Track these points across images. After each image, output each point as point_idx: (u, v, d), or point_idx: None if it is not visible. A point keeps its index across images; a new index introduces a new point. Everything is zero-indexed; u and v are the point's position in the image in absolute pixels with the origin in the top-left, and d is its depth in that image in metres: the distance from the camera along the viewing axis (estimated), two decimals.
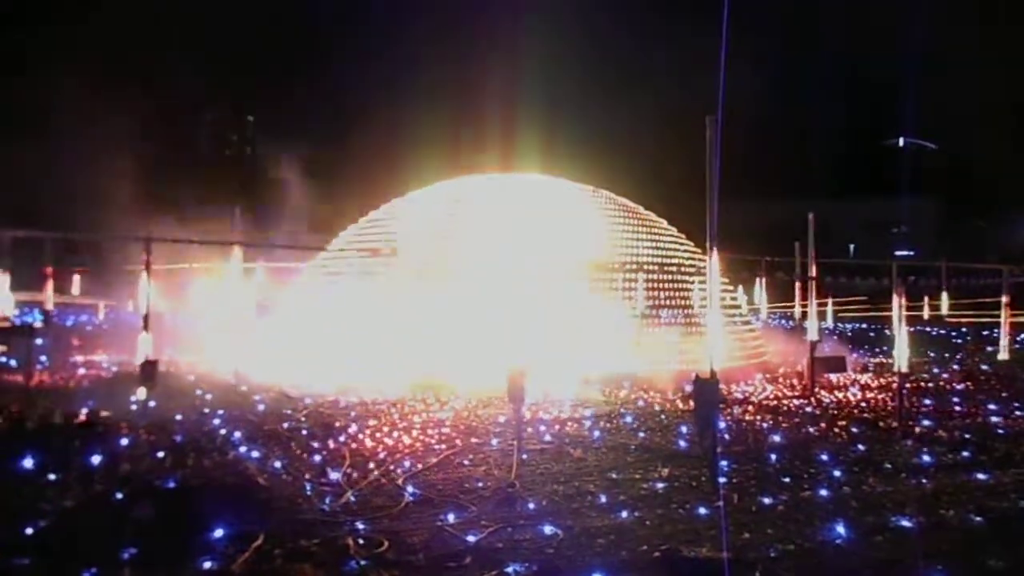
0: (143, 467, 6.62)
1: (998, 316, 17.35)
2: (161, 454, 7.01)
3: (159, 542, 4.88)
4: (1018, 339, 18.07)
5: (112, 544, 4.76)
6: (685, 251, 14.21)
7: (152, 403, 9.57)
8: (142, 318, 10.34)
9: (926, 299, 24.33)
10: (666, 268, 13.24)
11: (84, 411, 8.82)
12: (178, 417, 8.87)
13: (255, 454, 7.17)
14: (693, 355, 12.05)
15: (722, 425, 8.46)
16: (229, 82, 41.04)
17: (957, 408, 10.28)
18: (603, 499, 5.98)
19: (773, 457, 7.41)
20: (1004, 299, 17.07)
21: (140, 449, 7.25)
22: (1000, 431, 8.87)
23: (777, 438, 8.26)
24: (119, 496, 5.72)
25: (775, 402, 10.67)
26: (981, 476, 6.77)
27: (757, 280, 22.74)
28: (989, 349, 17.55)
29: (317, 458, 7.12)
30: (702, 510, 5.70)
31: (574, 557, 4.81)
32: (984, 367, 14.86)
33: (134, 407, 9.40)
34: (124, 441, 7.50)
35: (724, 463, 6.95)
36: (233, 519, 5.09)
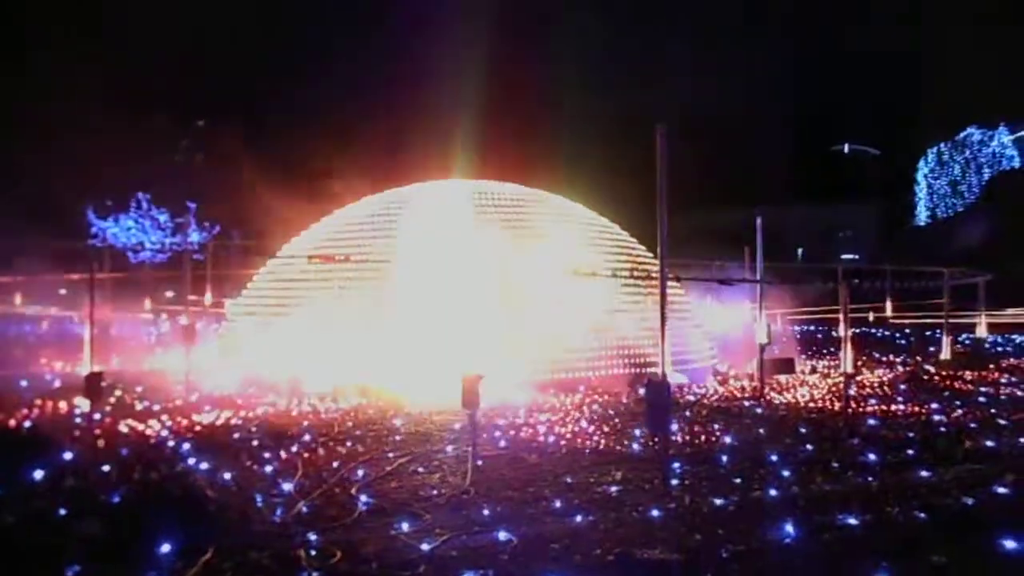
0: (88, 481, 6.45)
1: (940, 317, 17.84)
2: (106, 468, 6.84)
3: (104, 559, 4.75)
4: (959, 339, 18.62)
5: (55, 562, 4.63)
6: (638, 256, 14.35)
7: (97, 415, 9.35)
8: (87, 328, 10.10)
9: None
10: (619, 273, 13.34)
11: (27, 424, 8.56)
12: (124, 429, 8.68)
13: (204, 466, 7.03)
14: (646, 358, 12.19)
15: (674, 427, 8.56)
16: (180, 86, 40.15)
17: (901, 408, 10.56)
18: (558, 504, 6.00)
19: (724, 458, 7.51)
20: (945, 301, 17.58)
21: (84, 463, 7.06)
22: (942, 429, 9.12)
23: (728, 439, 8.38)
24: (62, 512, 5.56)
25: (726, 404, 10.83)
26: (925, 474, 6.95)
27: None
28: (931, 349, 18.06)
29: (268, 469, 7.01)
30: (655, 512, 5.75)
31: (528, 563, 4.81)
32: (927, 367, 15.28)
33: (78, 419, 9.17)
34: (68, 455, 7.30)
35: (676, 465, 7.04)
36: (181, 533, 4.98)
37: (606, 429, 8.99)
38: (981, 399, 11.37)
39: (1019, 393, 12.06)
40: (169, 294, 24.60)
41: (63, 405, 10.12)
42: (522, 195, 14.49)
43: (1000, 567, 4.94)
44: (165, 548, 4.81)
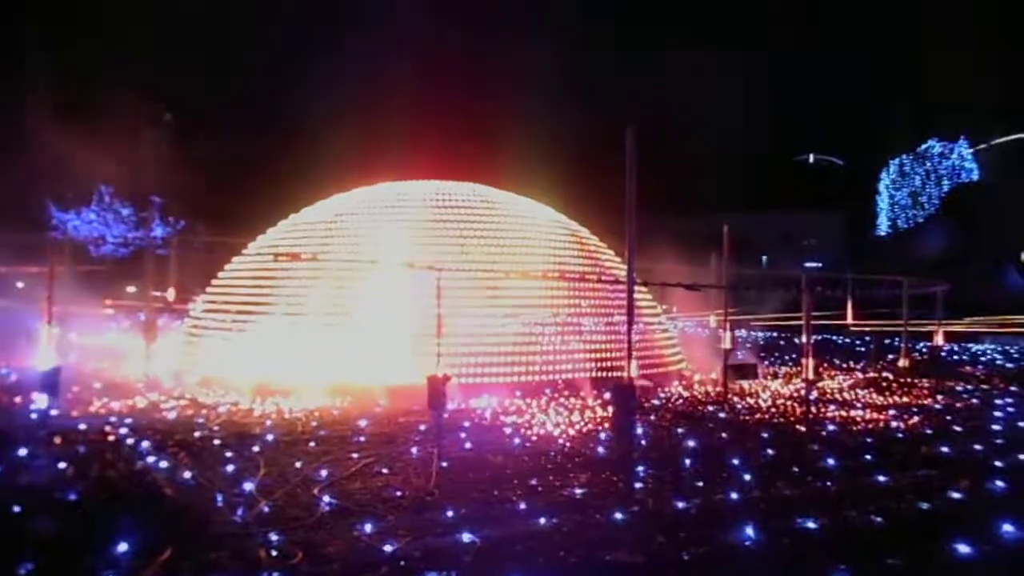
0: (43, 479, 6.32)
1: (899, 325, 18.16)
2: (63, 465, 6.70)
3: (59, 558, 4.66)
4: (917, 347, 18.98)
5: (8, 561, 4.52)
6: (607, 260, 14.41)
7: (54, 411, 9.17)
8: (44, 321, 9.89)
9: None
10: (587, 276, 13.39)
11: None
12: (82, 426, 8.52)
13: (164, 464, 6.93)
14: (612, 362, 12.25)
15: (639, 431, 8.62)
16: (148, 79, 39.59)
17: (860, 413, 10.73)
18: (522, 506, 6.01)
19: (688, 462, 7.58)
20: (904, 309, 17.89)
21: (40, 460, 6.92)
22: (899, 435, 9.29)
23: (692, 443, 8.45)
24: (16, 509, 5.44)
25: (690, 408, 10.92)
26: (882, 478, 7.08)
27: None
28: (890, 357, 18.37)
29: (230, 468, 6.93)
30: (619, 515, 5.78)
31: (492, 565, 4.81)
32: (885, 374, 15.55)
33: (34, 416, 8.98)
34: (23, 451, 7.15)
35: (640, 468, 7.09)
36: (139, 532, 4.90)
37: (571, 432, 9.02)
38: (937, 406, 11.61)
39: (973, 401, 12.32)
40: (131, 289, 24.21)
41: (19, 400, 9.92)
42: (488, 196, 14.47)
43: (953, 571, 5.04)
44: (122, 547, 4.73)
